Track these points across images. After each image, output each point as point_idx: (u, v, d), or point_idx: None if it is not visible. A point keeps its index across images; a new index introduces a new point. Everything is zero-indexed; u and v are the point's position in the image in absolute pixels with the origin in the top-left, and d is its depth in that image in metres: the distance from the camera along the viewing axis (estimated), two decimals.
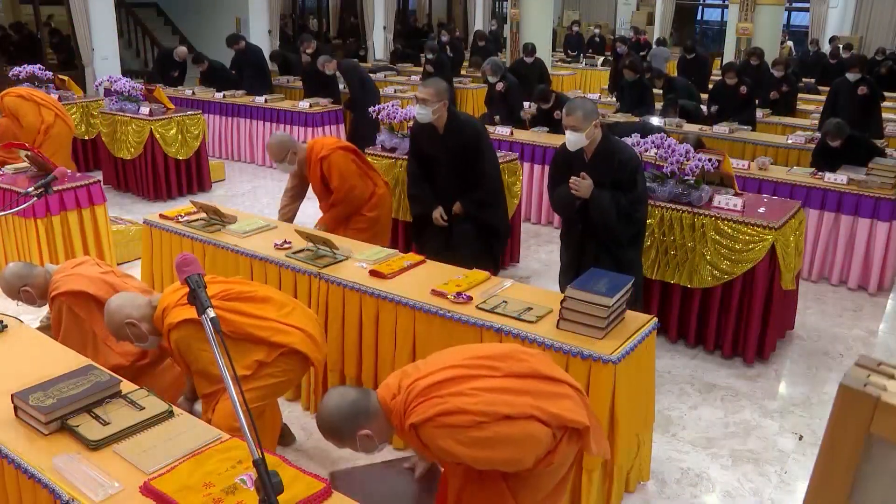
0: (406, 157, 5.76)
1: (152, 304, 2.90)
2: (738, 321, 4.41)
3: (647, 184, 4.63)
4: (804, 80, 11.33)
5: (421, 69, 11.43)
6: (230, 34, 9.86)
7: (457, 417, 2.11)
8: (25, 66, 8.85)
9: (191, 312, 2.66)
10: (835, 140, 5.90)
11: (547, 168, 6.82)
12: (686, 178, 4.50)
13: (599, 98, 9.65)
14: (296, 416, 3.85)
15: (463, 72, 12.54)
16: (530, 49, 9.96)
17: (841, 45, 13.13)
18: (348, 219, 4.62)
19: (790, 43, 13.61)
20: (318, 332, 3.06)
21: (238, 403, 1.75)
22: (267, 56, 11.06)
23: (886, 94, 10.93)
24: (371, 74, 11.88)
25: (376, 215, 4.69)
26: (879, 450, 0.96)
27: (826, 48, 16.38)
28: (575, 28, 16.73)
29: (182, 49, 10.40)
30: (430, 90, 4.21)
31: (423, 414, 2.13)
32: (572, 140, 3.78)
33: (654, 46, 15.16)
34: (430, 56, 10.45)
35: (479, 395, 2.14)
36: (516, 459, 2.17)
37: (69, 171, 4.94)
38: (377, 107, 5.88)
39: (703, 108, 8.49)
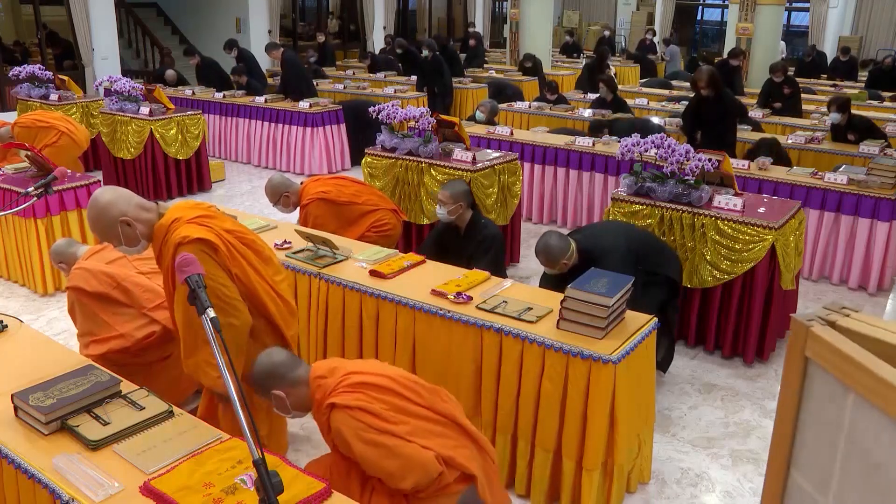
0: (406, 156, 5.78)
1: (159, 210, 2.68)
2: (738, 321, 4.41)
3: (648, 184, 4.64)
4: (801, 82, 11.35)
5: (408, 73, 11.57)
6: (226, 41, 9.93)
7: (369, 418, 2.35)
8: (25, 66, 8.86)
9: (207, 233, 2.58)
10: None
11: (547, 168, 6.87)
12: (686, 178, 4.50)
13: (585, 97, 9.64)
14: None
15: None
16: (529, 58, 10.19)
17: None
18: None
19: (783, 44, 13.64)
20: (293, 310, 2.95)
21: (238, 403, 1.76)
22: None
23: (887, 93, 10.98)
24: (371, 74, 11.96)
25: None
26: (813, 370, 1.23)
27: (826, 49, 16.44)
28: (570, 38, 16.63)
29: (171, 73, 10.42)
30: (447, 193, 4.33)
31: (345, 401, 2.36)
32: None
33: (666, 46, 15.29)
34: (426, 54, 10.45)
35: (396, 411, 2.40)
36: (397, 476, 2.35)
37: (69, 171, 4.93)
38: (377, 106, 5.88)
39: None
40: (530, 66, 11.84)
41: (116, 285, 3.38)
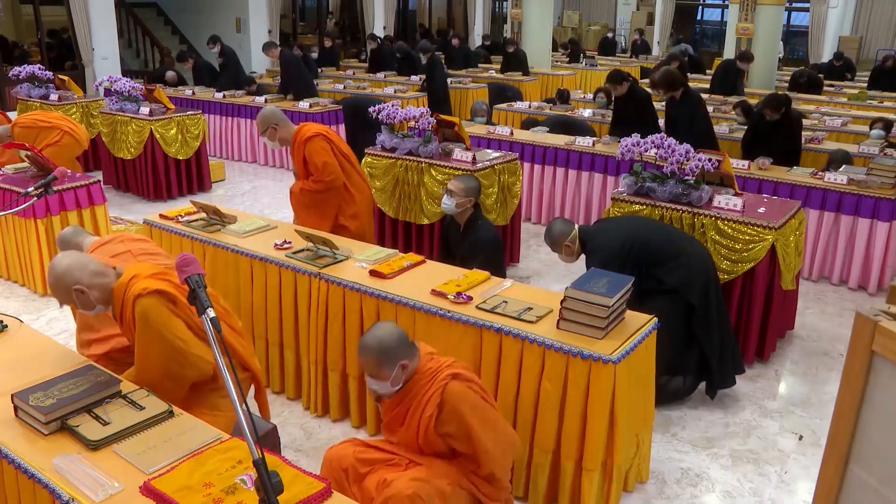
0: (406, 156, 5.78)
1: (117, 272, 2.75)
2: (738, 321, 4.41)
3: (648, 184, 4.64)
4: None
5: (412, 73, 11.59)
6: (210, 35, 10.04)
7: (482, 392, 2.67)
8: (25, 66, 8.86)
9: (167, 285, 2.67)
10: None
11: (547, 168, 6.87)
12: (686, 178, 4.50)
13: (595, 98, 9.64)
14: (296, 416, 3.85)
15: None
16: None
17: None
18: (330, 226, 4.58)
19: (780, 44, 13.68)
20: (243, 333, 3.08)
21: (238, 403, 1.76)
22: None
23: (888, 94, 10.98)
24: (371, 74, 11.97)
25: (358, 225, 4.65)
26: (880, 365, 1.19)
27: (826, 49, 16.44)
28: (569, 44, 16.58)
29: (171, 74, 10.45)
30: (460, 185, 4.37)
31: (466, 375, 2.64)
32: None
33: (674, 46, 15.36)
34: (423, 56, 10.54)
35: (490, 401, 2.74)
36: (496, 454, 2.62)
37: (69, 171, 4.93)
38: (377, 106, 5.88)
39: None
40: (512, 51, 11.86)
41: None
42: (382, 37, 14.54)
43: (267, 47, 9.25)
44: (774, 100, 6.14)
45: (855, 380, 1.24)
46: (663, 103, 6.52)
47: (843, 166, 5.84)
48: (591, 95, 9.67)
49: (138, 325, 2.65)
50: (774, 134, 6.16)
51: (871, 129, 7.30)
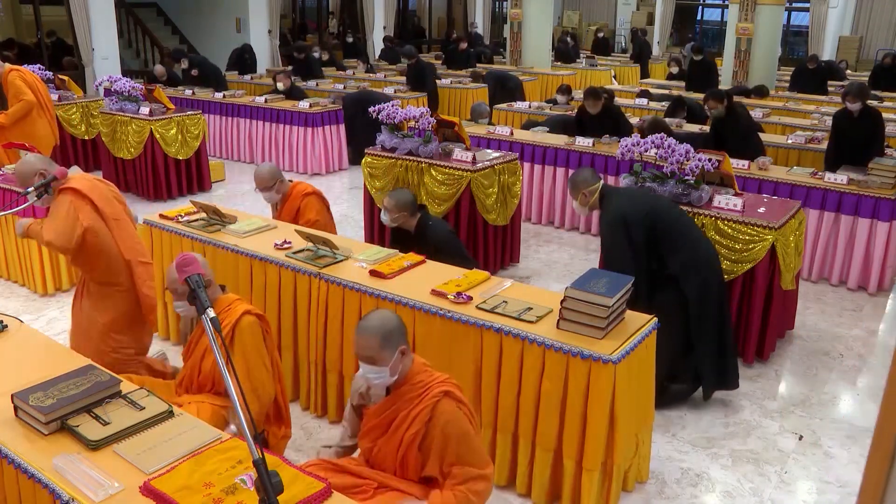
0: (406, 156, 5.78)
1: (223, 288, 3.12)
2: (738, 321, 4.41)
3: (648, 184, 4.64)
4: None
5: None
6: (171, 53, 10.29)
7: (467, 423, 2.54)
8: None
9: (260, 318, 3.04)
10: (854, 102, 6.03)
11: (547, 168, 6.87)
12: (686, 178, 4.50)
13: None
14: (296, 417, 3.85)
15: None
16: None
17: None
18: None
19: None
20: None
21: (238, 403, 1.76)
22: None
23: (887, 94, 10.97)
24: (371, 75, 11.98)
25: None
26: None
27: (826, 49, 16.40)
28: (568, 40, 16.49)
29: (159, 67, 10.50)
30: (391, 201, 4.48)
31: (457, 395, 2.54)
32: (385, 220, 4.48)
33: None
34: (409, 62, 10.60)
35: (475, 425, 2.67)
36: (480, 462, 2.53)
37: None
38: (377, 106, 5.88)
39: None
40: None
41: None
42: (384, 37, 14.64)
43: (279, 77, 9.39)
44: (715, 94, 6.25)
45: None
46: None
47: (843, 165, 5.84)
48: None
49: (237, 337, 2.91)
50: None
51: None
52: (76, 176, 3.62)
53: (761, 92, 10.24)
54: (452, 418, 2.47)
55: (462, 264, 3.85)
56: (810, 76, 11.46)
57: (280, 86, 9.20)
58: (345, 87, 10.43)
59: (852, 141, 6.07)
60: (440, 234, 4.53)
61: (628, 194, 3.99)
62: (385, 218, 4.52)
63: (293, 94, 9.14)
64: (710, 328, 3.83)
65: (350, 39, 15.52)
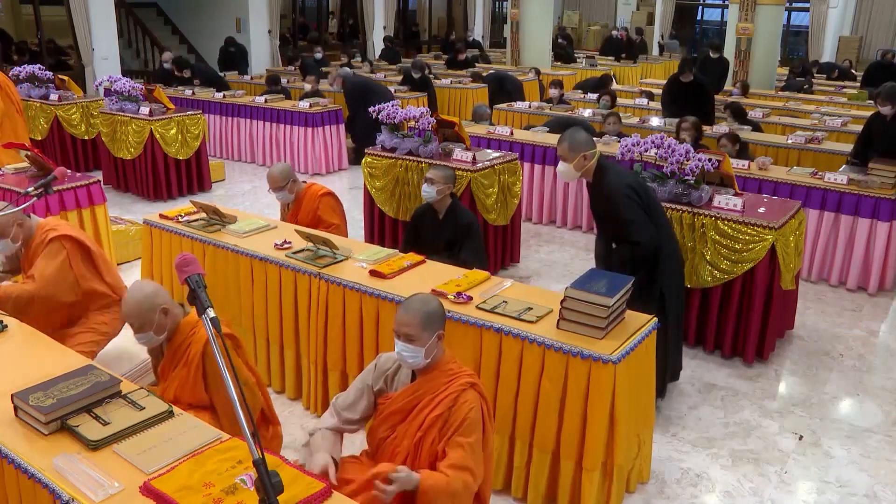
0: (406, 156, 5.78)
1: (185, 309, 2.99)
2: (738, 321, 4.41)
3: (648, 184, 4.63)
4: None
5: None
6: (178, 57, 10.45)
7: (485, 420, 2.57)
8: (25, 66, 8.86)
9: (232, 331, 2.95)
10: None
11: (547, 168, 6.87)
12: (686, 178, 4.50)
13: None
14: (296, 416, 3.85)
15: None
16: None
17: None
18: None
19: None
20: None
21: (238, 403, 1.76)
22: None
23: None
24: (371, 75, 11.99)
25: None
26: None
27: (826, 49, 16.38)
28: (561, 41, 16.35)
29: (167, 54, 10.56)
30: (438, 173, 4.55)
31: (481, 389, 2.56)
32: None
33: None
34: (416, 75, 10.63)
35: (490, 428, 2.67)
36: (480, 468, 2.52)
37: (68, 171, 4.94)
38: (376, 106, 5.88)
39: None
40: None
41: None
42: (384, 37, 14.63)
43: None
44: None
45: None
46: None
47: (843, 166, 5.84)
48: (592, 95, 9.66)
49: (209, 360, 2.85)
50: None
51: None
52: (63, 223, 3.86)
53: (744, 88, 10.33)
54: (476, 405, 2.50)
55: (480, 253, 3.91)
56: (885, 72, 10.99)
57: (308, 87, 9.49)
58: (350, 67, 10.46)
59: (885, 143, 5.94)
60: (470, 217, 4.68)
61: (615, 166, 3.88)
62: (430, 190, 4.53)
63: (316, 94, 9.32)
64: (675, 308, 3.89)
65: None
